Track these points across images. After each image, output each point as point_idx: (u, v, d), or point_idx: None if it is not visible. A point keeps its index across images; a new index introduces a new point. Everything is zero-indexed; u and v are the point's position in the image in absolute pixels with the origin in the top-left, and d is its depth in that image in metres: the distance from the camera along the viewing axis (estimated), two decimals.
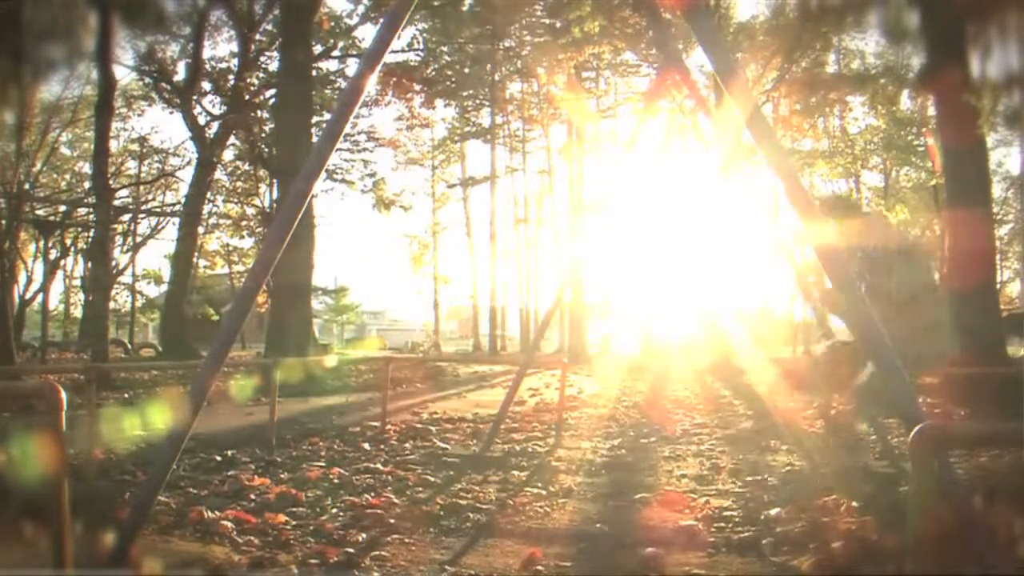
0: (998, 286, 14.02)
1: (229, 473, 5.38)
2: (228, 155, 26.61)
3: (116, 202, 24.75)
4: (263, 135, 24.02)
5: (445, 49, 26.01)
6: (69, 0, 12.34)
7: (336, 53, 24.53)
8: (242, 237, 29.20)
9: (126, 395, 11.46)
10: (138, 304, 34.94)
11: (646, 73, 26.35)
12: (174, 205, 29.13)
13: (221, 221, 29.72)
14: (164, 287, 31.49)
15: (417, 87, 25.69)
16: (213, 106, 24.79)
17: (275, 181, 22.46)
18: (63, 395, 2.60)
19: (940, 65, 10.21)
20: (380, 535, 3.89)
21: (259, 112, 24.56)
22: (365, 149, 29.12)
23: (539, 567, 3.37)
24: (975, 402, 8.36)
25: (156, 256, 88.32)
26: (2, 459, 5.03)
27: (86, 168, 29.48)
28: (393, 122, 44.86)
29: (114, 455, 6.16)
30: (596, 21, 22.17)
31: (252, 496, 4.66)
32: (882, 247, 5.23)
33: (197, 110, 23.78)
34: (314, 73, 21.01)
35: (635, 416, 9.44)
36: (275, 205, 23.02)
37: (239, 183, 27.90)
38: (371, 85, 4.34)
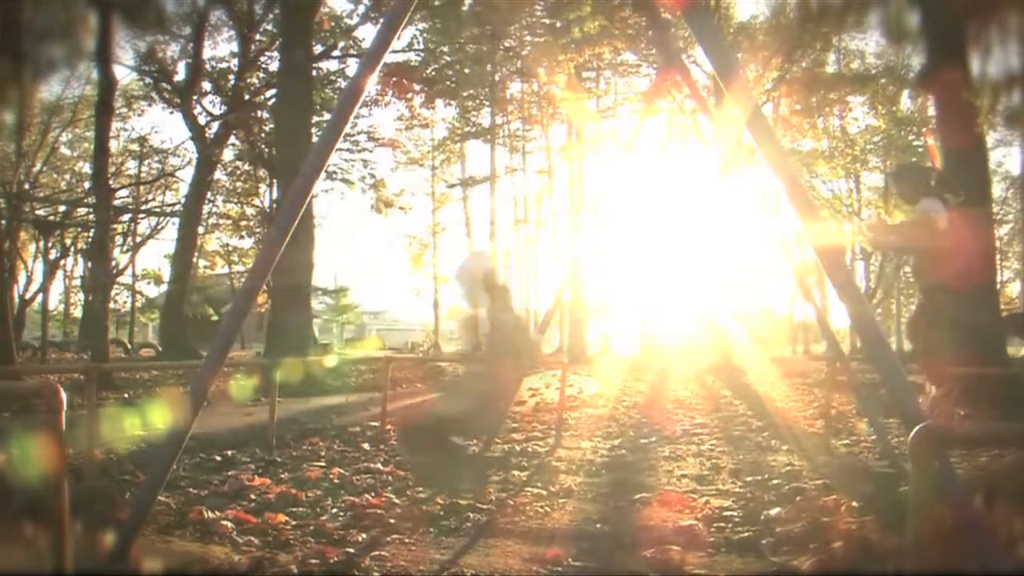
0: (998, 286, 14.03)
1: (229, 473, 5.38)
2: (228, 155, 26.58)
3: (116, 202, 24.77)
4: (263, 135, 23.98)
5: (445, 49, 25.97)
6: (69, 0, 12.32)
7: (336, 53, 24.46)
8: (242, 237, 29.17)
9: (126, 395, 11.45)
10: (138, 304, 34.91)
11: (646, 73, 26.32)
12: (174, 205, 29.13)
13: (221, 221, 29.72)
14: (164, 287, 31.46)
15: (417, 87, 25.64)
16: (213, 106, 24.77)
17: (275, 181, 22.44)
18: (63, 395, 2.59)
19: (940, 65, 10.19)
20: (380, 535, 3.89)
21: (259, 112, 24.51)
22: (365, 149, 29.02)
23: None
24: (975, 402, 8.35)
25: (156, 256, 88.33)
26: (2, 459, 5.03)
27: (86, 168, 29.48)
28: (393, 122, 44.87)
29: (114, 455, 6.16)
30: (596, 21, 22.16)
31: (252, 496, 4.66)
32: None
33: (197, 110, 23.76)
34: (314, 73, 20.98)
35: (635, 416, 9.44)
36: (275, 205, 23.00)
37: (239, 183, 27.84)
38: (371, 85, 4.34)
